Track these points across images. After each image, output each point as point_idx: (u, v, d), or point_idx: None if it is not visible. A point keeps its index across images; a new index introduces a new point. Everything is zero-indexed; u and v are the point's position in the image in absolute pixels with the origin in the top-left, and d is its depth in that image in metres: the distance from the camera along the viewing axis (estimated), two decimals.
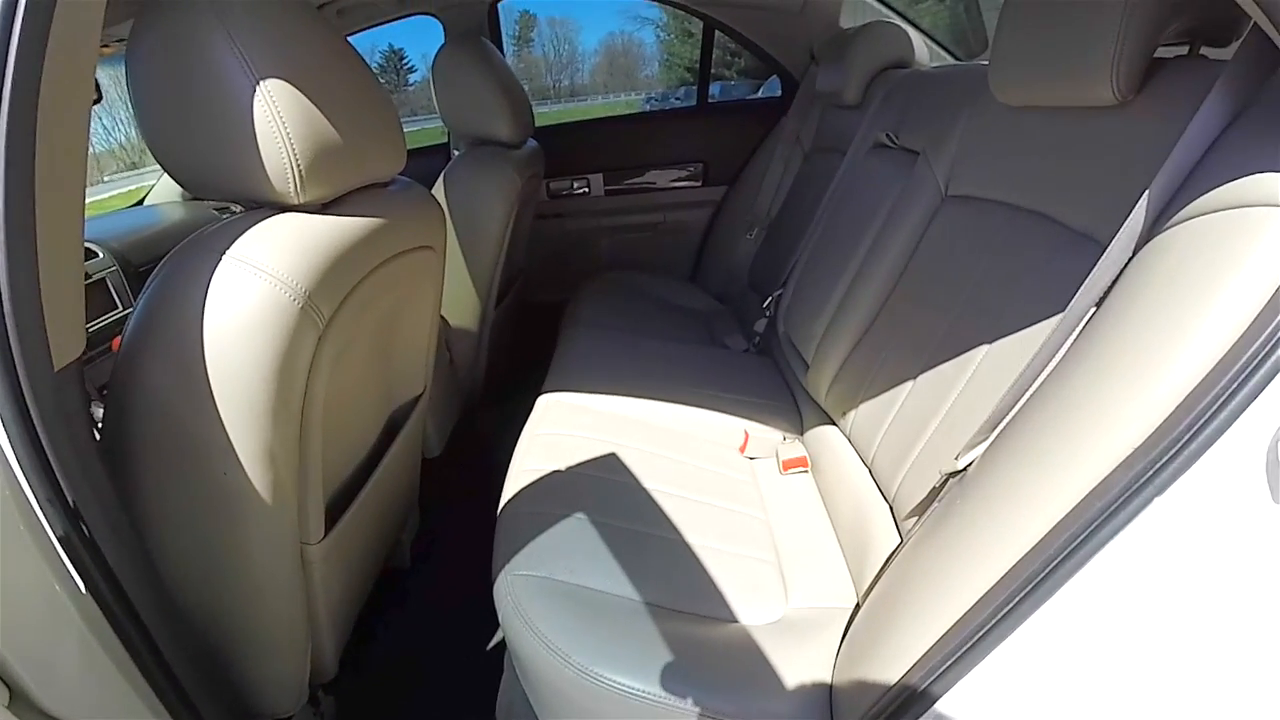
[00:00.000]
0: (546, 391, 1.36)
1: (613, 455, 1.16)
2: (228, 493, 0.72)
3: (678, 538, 1.03)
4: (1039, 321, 0.84)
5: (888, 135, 1.38)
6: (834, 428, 1.26)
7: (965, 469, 0.80)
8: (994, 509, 0.67)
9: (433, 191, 1.61)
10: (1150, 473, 0.55)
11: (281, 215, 0.73)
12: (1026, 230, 0.94)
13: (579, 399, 1.33)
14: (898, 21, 1.78)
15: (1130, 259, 0.69)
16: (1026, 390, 0.76)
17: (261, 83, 0.67)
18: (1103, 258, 0.71)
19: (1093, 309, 0.71)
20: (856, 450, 1.16)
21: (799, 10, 1.99)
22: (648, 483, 1.13)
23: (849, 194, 1.52)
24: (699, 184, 2.32)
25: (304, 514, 0.84)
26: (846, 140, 1.68)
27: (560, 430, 1.23)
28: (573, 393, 1.34)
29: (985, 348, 0.92)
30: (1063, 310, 0.81)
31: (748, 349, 1.79)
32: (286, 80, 0.68)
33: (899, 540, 0.97)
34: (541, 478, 1.08)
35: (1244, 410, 0.52)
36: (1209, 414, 0.53)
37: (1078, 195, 0.86)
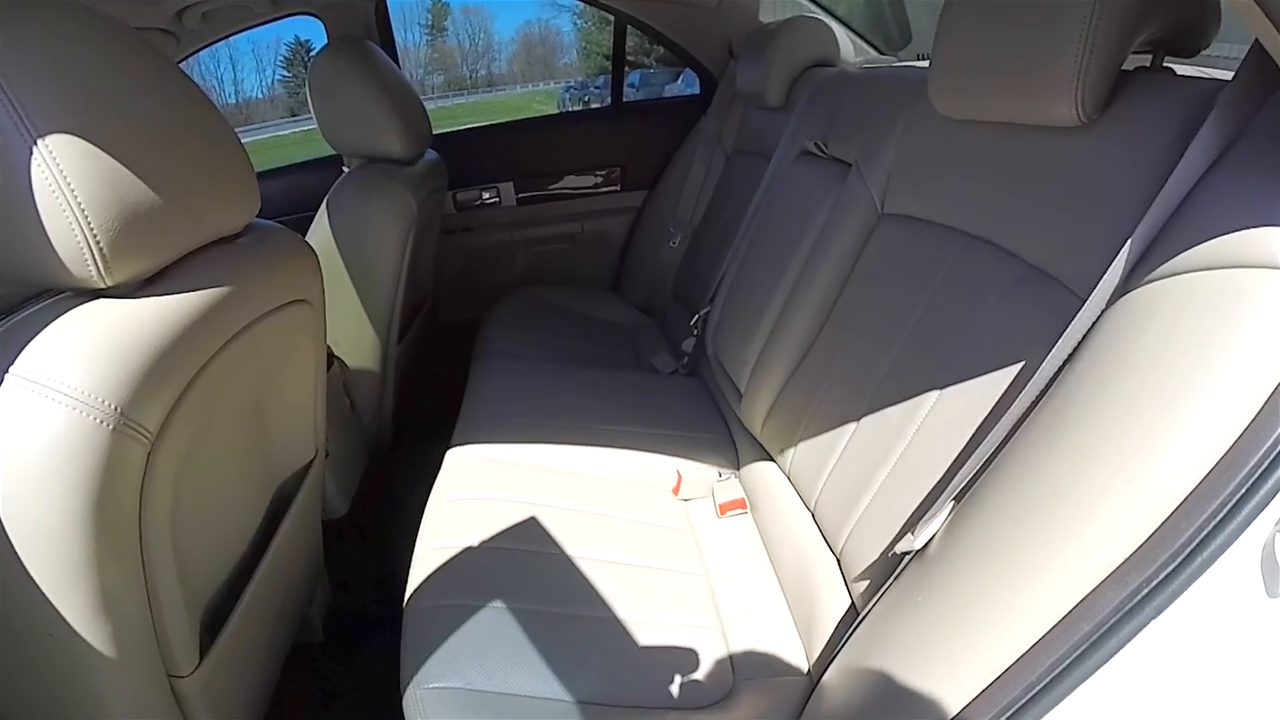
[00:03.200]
0: (455, 444, 1.23)
1: (532, 520, 1.05)
2: (60, 653, 0.59)
3: (609, 615, 0.93)
4: (995, 369, 0.78)
5: (816, 144, 1.31)
6: (772, 464, 1.19)
7: (925, 546, 0.72)
8: (964, 615, 0.60)
9: (318, 216, 1.45)
10: (1146, 591, 0.48)
11: (84, 306, 0.57)
12: (974, 259, 0.87)
13: (492, 451, 1.20)
14: (820, 15, 1.70)
15: (1104, 310, 0.62)
16: (987, 456, 0.69)
17: (41, 141, 0.52)
18: (1081, 310, 0.64)
19: (1060, 364, 0.65)
20: (798, 493, 1.09)
21: (715, 6, 1.90)
22: (573, 549, 1.02)
23: (776, 205, 1.44)
24: (617, 189, 2.21)
25: (167, 647, 0.69)
26: (770, 143, 1.60)
27: (471, 493, 1.10)
28: (484, 444, 1.21)
29: (935, 394, 0.85)
30: (1019, 357, 0.76)
31: (676, 370, 1.70)
32: (76, 133, 0.53)
33: (849, 602, 0.90)
34: (451, 559, 0.95)
35: (1253, 520, 0.45)
36: (1214, 524, 0.46)
37: (1032, 225, 0.80)
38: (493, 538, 1.00)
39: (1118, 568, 0.51)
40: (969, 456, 0.76)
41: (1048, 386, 0.65)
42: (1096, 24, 0.67)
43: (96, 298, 0.59)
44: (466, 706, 0.78)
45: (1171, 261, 0.56)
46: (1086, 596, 0.53)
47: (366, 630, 1.26)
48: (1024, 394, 0.69)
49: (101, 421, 0.53)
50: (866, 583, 0.87)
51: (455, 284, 2.22)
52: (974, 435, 0.78)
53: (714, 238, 1.80)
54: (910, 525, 0.81)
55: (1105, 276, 0.64)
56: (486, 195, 2.18)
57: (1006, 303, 0.80)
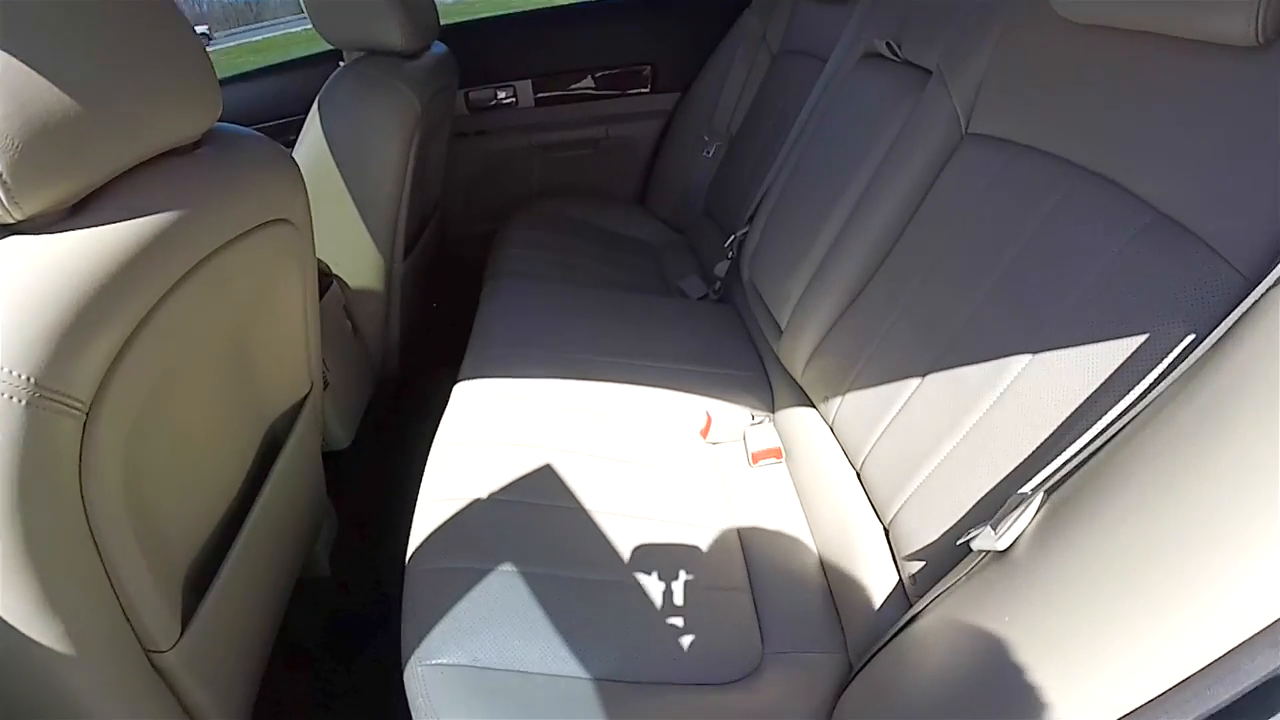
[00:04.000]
0: (464, 377, 1.12)
1: (546, 469, 0.95)
2: (12, 654, 0.51)
3: (629, 579, 0.85)
4: (1108, 339, 0.65)
5: (888, 45, 1.12)
6: (813, 412, 1.08)
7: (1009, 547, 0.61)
8: (1066, 653, 0.50)
9: (308, 122, 1.29)
10: None
11: None
12: (1087, 200, 0.73)
13: (502, 386, 1.10)
14: None
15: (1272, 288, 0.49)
16: (1094, 447, 0.57)
17: None
18: (1250, 286, 0.50)
19: (1209, 348, 0.52)
20: (843, 449, 0.98)
21: None
22: (590, 503, 0.93)
23: (833, 116, 1.27)
24: (647, 90, 1.99)
25: (140, 625, 0.61)
26: (827, 44, 1.40)
27: (480, 436, 1.00)
28: (495, 378, 1.11)
29: (1025, 358, 0.72)
30: (1142, 329, 0.62)
31: (706, 295, 1.56)
32: None
33: (897, 580, 0.81)
34: (456, 514, 0.87)
35: None
36: None
37: (1172, 165, 0.65)
38: (502, 489, 0.91)
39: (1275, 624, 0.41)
40: (1065, 442, 0.64)
41: (1186, 373, 0.52)
42: None
43: (4, 235, 0.46)
44: (475, 687, 0.70)
45: None
46: (1230, 654, 0.42)
47: (366, 630, 1.20)
48: (1150, 377, 0.57)
49: (11, 397, 0.42)
50: (921, 565, 0.77)
51: (466, 193, 2.05)
52: (1072, 415, 0.66)
53: (754, 150, 1.62)
54: (983, 512, 0.71)
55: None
56: (502, 95, 1.98)
57: (1130, 259, 0.66)
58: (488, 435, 1.00)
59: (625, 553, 0.88)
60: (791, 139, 1.40)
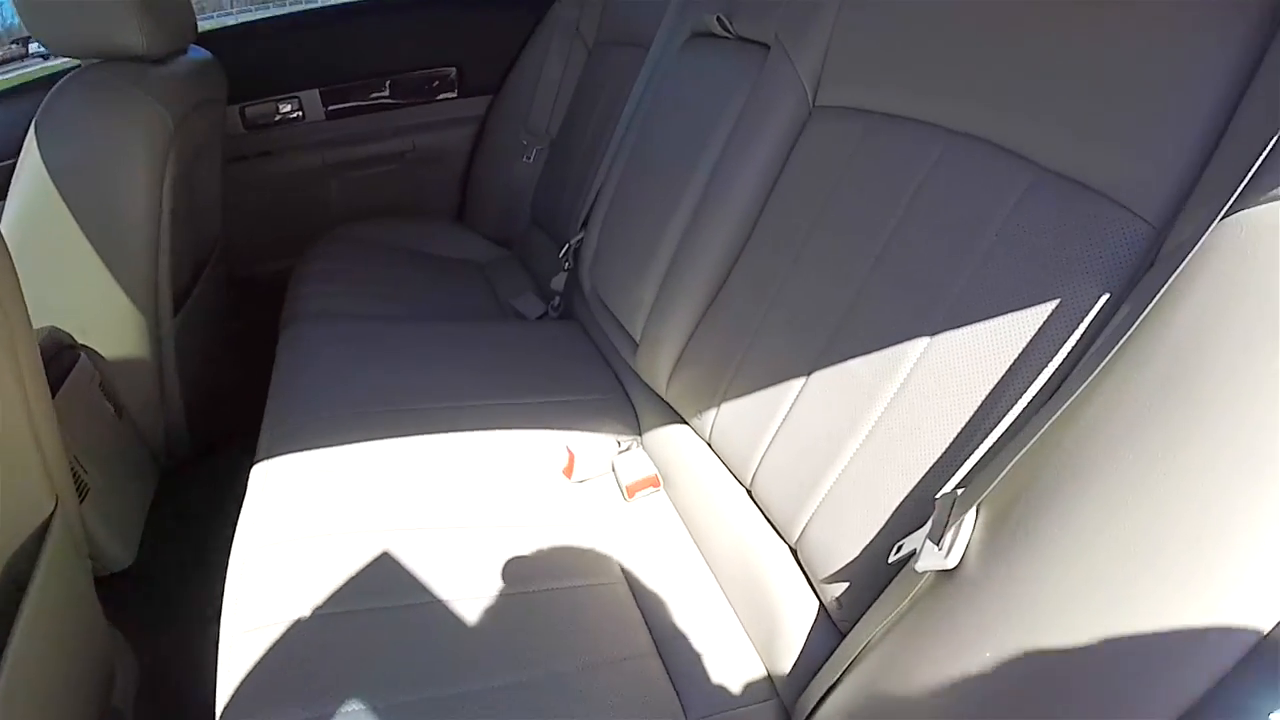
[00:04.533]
0: (262, 457, 0.88)
1: (384, 558, 0.75)
2: None
3: (520, 680, 0.67)
4: (1016, 309, 0.58)
5: (719, 20, 1.03)
6: (686, 429, 0.96)
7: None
8: (1064, 693, 0.41)
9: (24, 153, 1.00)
10: None
11: None
12: (962, 164, 0.67)
13: (313, 461, 0.88)
14: None
15: (1207, 235, 0.44)
16: (1033, 436, 0.48)
17: None
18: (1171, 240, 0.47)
19: (1140, 307, 0.45)
20: (727, 466, 0.87)
21: None
22: (448, 590, 0.74)
23: (664, 103, 1.17)
24: (454, 94, 1.81)
25: None
26: (647, 29, 1.31)
27: (291, 531, 0.78)
28: (302, 450, 0.88)
29: (923, 342, 0.65)
30: (1052, 294, 0.56)
31: (545, 313, 1.41)
32: None
33: (818, 606, 0.71)
34: (274, 646, 0.64)
35: None
36: None
37: (1055, 118, 0.60)
38: (330, 599, 0.69)
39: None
40: (983, 430, 0.58)
41: (1129, 339, 0.45)
42: None
43: None
44: None
45: None
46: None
47: None
48: (1067, 346, 0.54)
49: None
50: (844, 586, 0.67)
51: (252, 226, 1.75)
52: (987, 399, 0.59)
53: (580, 149, 1.50)
54: (904, 519, 0.63)
55: (1198, 189, 0.49)
56: (285, 108, 1.71)
57: (1023, 221, 0.60)
58: (300, 529, 0.78)
59: (504, 648, 0.70)
60: (620, 133, 1.29)
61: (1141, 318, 0.44)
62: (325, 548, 0.76)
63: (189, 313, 1.28)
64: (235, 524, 0.80)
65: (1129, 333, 0.45)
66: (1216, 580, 0.37)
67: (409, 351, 1.13)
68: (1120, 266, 0.53)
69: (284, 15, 1.77)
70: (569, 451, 0.95)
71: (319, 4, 2.44)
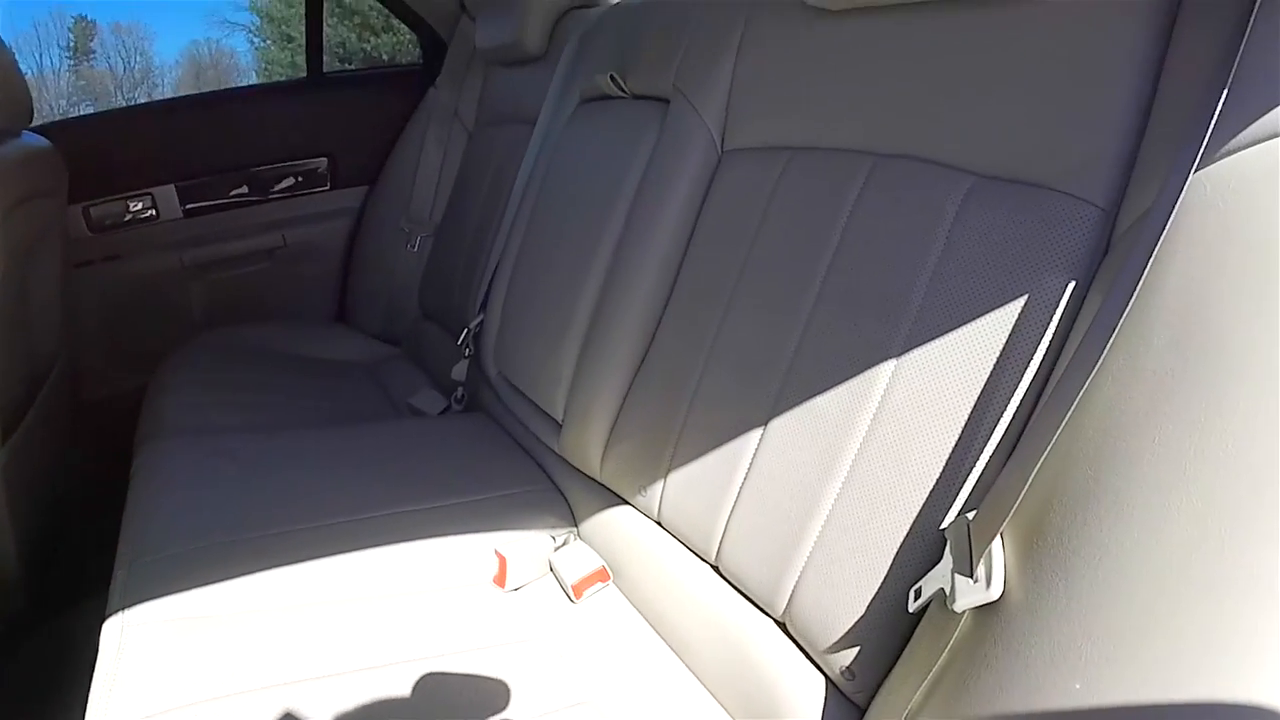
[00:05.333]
0: (115, 609, 0.70)
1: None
2: None
3: None
4: (984, 311, 0.56)
5: (612, 79, 1.02)
6: (629, 509, 0.87)
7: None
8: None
9: None
10: None
11: None
12: (893, 184, 0.66)
13: (180, 609, 0.71)
14: None
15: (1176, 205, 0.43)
16: (1050, 441, 0.44)
17: None
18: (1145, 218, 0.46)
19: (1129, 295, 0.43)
20: (685, 543, 0.78)
21: None
22: None
23: (560, 171, 1.13)
24: (327, 187, 1.71)
25: None
26: (530, 104, 1.29)
27: (157, 703, 0.60)
28: (166, 596, 0.71)
29: (891, 365, 0.60)
30: (1019, 290, 0.54)
31: (448, 406, 1.29)
32: None
33: (824, 682, 0.62)
34: None
35: None
36: None
37: (974, 124, 0.60)
38: None
39: None
40: (977, 445, 0.54)
41: (1122, 331, 0.43)
42: None
43: None
44: None
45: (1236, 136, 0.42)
46: None
47: None
48: (1045, 339, 0.53)
49: None
50: (855, 652, 0.59)
51: (101, 340, 1.56)
52: (975, 411, 0.55)
53: (468, 232, 1.43)
54: (911, 560, 0.56)
55: (1139, 163, 0.51)
56: (136, 206, 1.56)
57: (970, 225, 0.59)
58: (171, 698, 0.60)
59: None
60: (514, 207, 1.23)
61: (1129, 306, 0.42)
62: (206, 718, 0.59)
63: (22, 440, 1.07)
64: (86, 700, 0.61)
65: (1120, 319, 0.42)
66: None
67: (293, 463, 0.97)
68: (1079, 253, 0.53)
69: (134, 106, 1.63)
70: (498, 556, 0.83)
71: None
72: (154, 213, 1.58)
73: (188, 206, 1.60)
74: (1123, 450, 0.41)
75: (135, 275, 1.58)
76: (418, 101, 1.65)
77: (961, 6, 0.62)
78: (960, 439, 0.55)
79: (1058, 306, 0.52)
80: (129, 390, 1.46)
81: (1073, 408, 0.43)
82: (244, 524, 0.83)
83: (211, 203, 1.62)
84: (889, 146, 0.67)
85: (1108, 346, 0.43)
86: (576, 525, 0.93)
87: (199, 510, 0.85)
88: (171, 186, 1.58)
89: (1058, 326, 0.52)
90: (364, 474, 0.97)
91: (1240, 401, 0.36)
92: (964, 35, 0.62)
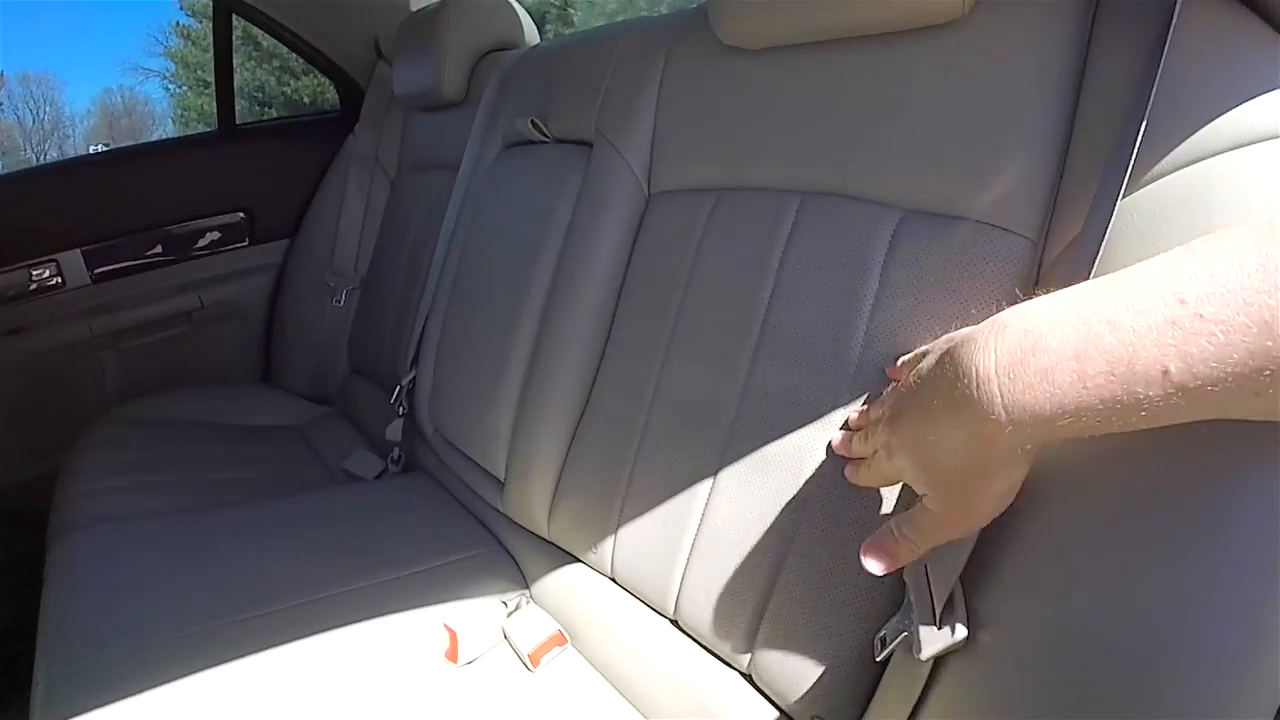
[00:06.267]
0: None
1: None
2: None
3: None
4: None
5: (534, 124, 1.01)
6: (582, 567, 0.85)
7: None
8: None
9: None
10: None
11: None
12: (823, 219, 0.67)
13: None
14: None
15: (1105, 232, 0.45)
16: None
17: None
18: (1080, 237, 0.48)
19: None
20: (641, 599, 0.76)
21: None
22: None
23: (485, 219, 1.11)
24: (245, 243, 1.65)
25: None
26: (451, 150, 1.27)
27: None
28: (90, 712, 0.65)
29: (838, 414, 0.60)
30: (957, 325, 0.55)
31: (384, 470, 1.24)
32: None
33: None
34: None
35: None
36: None
37: (895, 160, 0.62)
38: None
39: None
40: None
41: None
42: None
43: None
44: None
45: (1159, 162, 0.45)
46: None
47: None
48: None
49: None
50: (827, 699, 0.58)
51: (11, 420, 1.46)
52: None
53: (396, 284, 1.40)
54: (873, 606, 0.56)
55: (1062, 192, 0.53)
56: (40, 274, 1.47)
57: (903, 262, 0.60)
58: None
59: None
60: (440, 257, 1.21)
61: None
62: None
63: None
64: None
65: None
66: None
67: (223, 546, 0.92)
68: (1009, 286, 0.53)
69: (32, 168, 1.54)
70: (448, 630, 0.80)
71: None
72: (60, 280, 1.49)
73: (96, 271, 1.52)
74: (1073, 495, 0.42)
75: (40, 349, 1.49)
76: (337, 149, 1.61)
77: (875, 41, 0.64)
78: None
79: None
80: (42, 473, 1.36)
81: None
82: (173, 621, 0.77)
83: (122, 263, 1.54)
84: (815, 184, 0.68)
85: None
86: (528, 586, 0.91)
87: (122, 608, 0.79)
88: (77, 251, 1.49)
89: None
90: (300, 552, 0.92)
91: (1180, 444, 0.37)
92: (880, 69, 0.63)
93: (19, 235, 1.44)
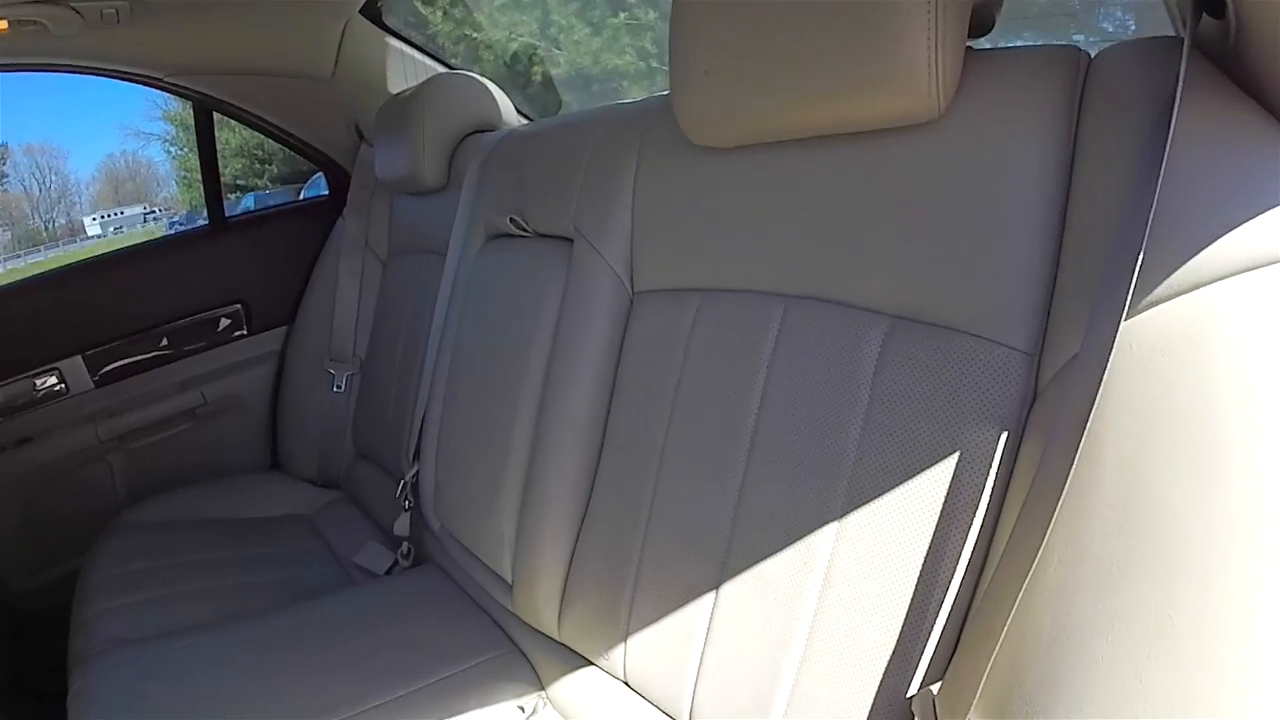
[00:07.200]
0: None
1: None
2: None
3: None
4: (918, 471, 0.57)
5: (512, 221, 1.02)
6: (595, 671, 0.85)
7: None
8: None
9: None
10: None
11: None
12: (809, 324, 0.66)
13: None
14: (465, 72, 1.44)
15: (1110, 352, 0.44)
16: (996, 611, 0.45)
17: None
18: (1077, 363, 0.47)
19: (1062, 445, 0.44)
20: (657, 706, 0.76)
21: (330, 77, 1.53)
22: None
23: (473, 311, 1.13)
24: (244, 332, 1.67)
25: None
26: (437, 235, 1.29)
27: None
28: None
29: (833, 529, 0.61)
30: (952, 446, 0.55)
31: (395, 563, 1.25)
32: None
33: None
34: None
35: None
36: None
37: (883, 265, 0.62)
38: None
39: None
40: (936, 606, 0.55)
41: (1053, 488, 0.44)
42: None
43: None
44: None
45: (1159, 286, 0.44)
46: None
47: None
48: (984, 498, 0.53)
49: None
50: None
51: (23, 529, 1.49)
52: (925, 572, 0.56)
53: (393, 367, 1.42)
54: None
55: (1057, 305, 0.52)
56: (44, 383, 1.50)
57: (894, 373, 0.60)
58: None
59: None
60: (434, 347, 1.22)
61: (1067, 483, 0.43)
62: None
63: None
64: None
65: (1060, 499, 0.43)
66: None
67: (245, 668, 0.92)
68: (1006, 401, 0.53)
69: (25, 279, 1.58)
70: None
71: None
72: (63, 386, 1.52)
73: (99, 374, 1.55)
74: (1077, 646, 0.42)
75: (49, 458, 1.52)
76: (327, 234, 1.64)
77: (847, 140, 0.64)
78: (912, 605, 0.56)
79: (992, 460, 0.53)
80: (57, 577, 1.41)
81: (1022, 592, 0.44)
82: None
83: (122, 363, 1.57)
84: (799, 287, 0.68)
85: (1051, 525, 0.43)
86: (544, 688, 0.91)
87: None
88: (79, 357, 1.53)
89: (995, 480, 0.53)
90: (318, 669, 0.92)
91: (1186, 599, 0.36)
92: (853, 170, 0.63)
93: (20, 345, 1.48)
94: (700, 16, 0.68)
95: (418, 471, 1.19)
